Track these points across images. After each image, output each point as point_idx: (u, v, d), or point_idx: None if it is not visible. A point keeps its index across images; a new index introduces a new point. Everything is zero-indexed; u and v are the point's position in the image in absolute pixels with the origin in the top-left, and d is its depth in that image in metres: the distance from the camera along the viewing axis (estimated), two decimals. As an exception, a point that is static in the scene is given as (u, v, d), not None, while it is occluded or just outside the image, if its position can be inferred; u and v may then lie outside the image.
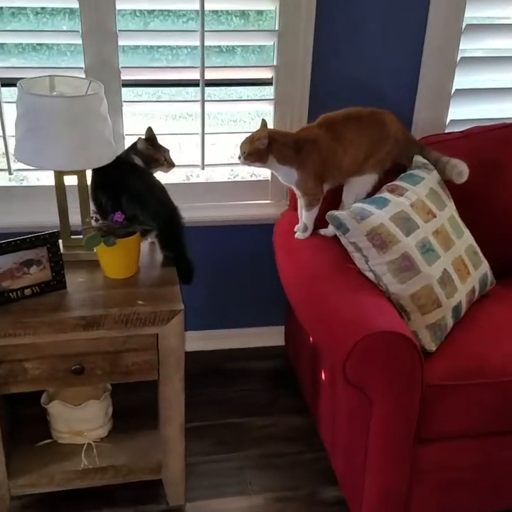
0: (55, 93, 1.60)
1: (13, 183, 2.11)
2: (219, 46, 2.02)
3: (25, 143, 1.51)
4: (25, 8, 1.87)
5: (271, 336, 2.36)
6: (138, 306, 1.49)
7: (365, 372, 1.41)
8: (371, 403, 1.47)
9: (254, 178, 2.21)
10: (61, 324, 1.43)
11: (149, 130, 1.76)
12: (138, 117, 2.09)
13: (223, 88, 2.26)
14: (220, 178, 2.26)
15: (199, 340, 2.31)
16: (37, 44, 1.91)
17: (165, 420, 1.60)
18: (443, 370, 1.52)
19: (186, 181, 2.26)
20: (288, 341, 2.30)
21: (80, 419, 1.65)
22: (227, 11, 1.98)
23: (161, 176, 1.77)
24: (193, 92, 2.09)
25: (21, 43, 1.91)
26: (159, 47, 2.01)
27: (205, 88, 1.95)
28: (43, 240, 1.49)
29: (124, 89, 1.96)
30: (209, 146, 2.06)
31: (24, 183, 2.13)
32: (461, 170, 1.76)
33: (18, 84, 1.51)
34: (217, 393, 2.14)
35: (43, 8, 1.89)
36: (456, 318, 1.65)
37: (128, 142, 1.96)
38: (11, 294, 1.47)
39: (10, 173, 1.95)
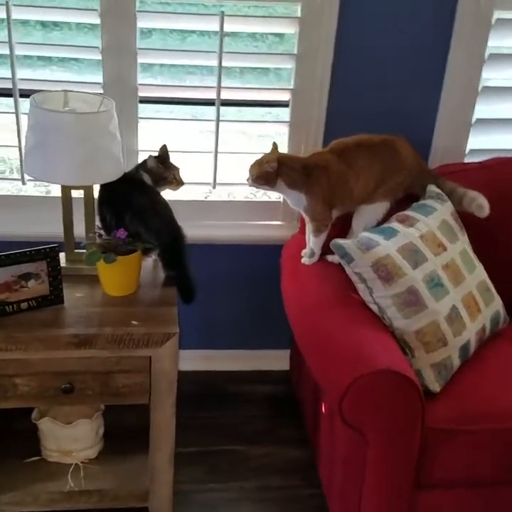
0: (67, 108, 1.60)
1: (26, 193, 2.12)
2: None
3: (33, 156, 1.52)
4: (47, 22, 1.89)
5: (276, 360, 2.30)
6: (132, 326, 1.46)
7: (361, 412, 1.35)
8: (368, 444, 1.40)
9: (266, 199, 2.18)
10: (53, 341, 1.41)
11: (163, 148, 1.75)
12: (158, 133, 2.08)
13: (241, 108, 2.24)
14: (230, 197, 2.23)
15: (200, 360, 2.27)
16: (57, 58, 1.93)
17: (154, 447, 1.56)
18: (446, 413, 1.45)
19: (200, 199, 2.24)
20: (293, 366, 2.23)
21: (70, 438, 1.62)
22: (245, 35, 1.97)
23: (174, 192, 1.76)
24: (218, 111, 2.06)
25: (42, 56, 1.93)
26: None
27: (225, 107, 1.94)
28: (43, 254, 1.47)
29: (145, 105, 1.96)
30: (230, 165, 2.04)
31: (36, 194, 2.13)
32: (480, 203, 1.70)
33: (30, 98, 1.52)
34: (214, 417, 2.09)
35: (65, 23, 1.90)
36: (463, 358, 1.58)
37: (142, 158, 1.96)
38: (6, 307, 1.45)
39: (23, 183, 1.96)
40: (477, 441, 1.44)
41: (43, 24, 1.90)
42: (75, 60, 1.95)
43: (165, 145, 1.74)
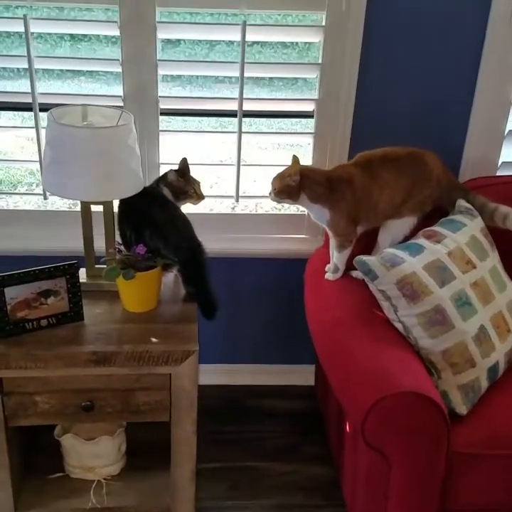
0: (86, 122, 1.60)
1: (47, 208, 2.13)
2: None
3: (51, 172, 1.51)
4: (66, 35, 1.89)
5: (300, 375, 2.27)
6: (151, 343, 1.44)
7: (384, 434, 1.31)
8: (391, 466, 1.36)
9: (290, 212, 2.15)
10: (73, 359, 1.40)
11: (183, 161, 1.73)
12: (180, 146, 2.07)
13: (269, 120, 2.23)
14: (255, 209, 2.21)
15: (222, 374, 2.25)
16: (75, 71, 1.93)
17: (175, 464, 1.54)
18: (473, 437, 1.40)
19: (223, 212, 2.22)
20: (317, 382, 2.20)
21: (92, 455, 1.61)
22: (274, 43, 1.94)
23: (197, 206, 1.75)
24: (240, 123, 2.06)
25: (62, 70, 1.94)
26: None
27: (254, 120, 1.92)
28: (62, 271, 1.47)
29: (165, 119, 1.95)
30: (256, 176, 2.01)
31: (58, 208, 2.14)
32: None
33: (48, 113, 1.51)
34: (236, 432, 2.06)
35: (88, 39, 1.91)
36: (491, 380, 1.52)
37: (164, 171, 1.95)
38: (26, 324, 1.45)
39: (45, 198, 1.97)
40: (505, 466, 1.39)
41: (62, 37, 1.91)
42: (96, 73, 1.95)
43: (185, 158, 1.73)
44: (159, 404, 1.47)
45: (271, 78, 2.00)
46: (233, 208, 2.22)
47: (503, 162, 2.02)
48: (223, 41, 1.93)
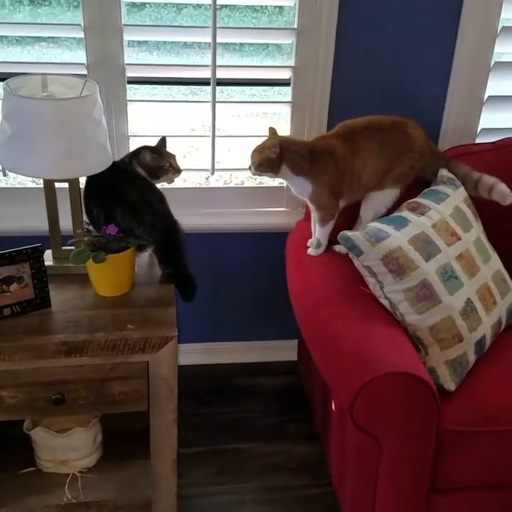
0: (46, 93, 1.47)
1: (7, 185, 2.00)
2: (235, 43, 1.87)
3: (9, 148, 1.38)
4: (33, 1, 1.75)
5: (283, 351, 2.22)
6: (127, 330, 1.36)
7: (374, 416, 1.27)
8: (381, 447, 1.32)
9: (268, 184, 2.07)
10: (40, 350, 1.31)
11: (162, 140, 1.64)
12: (149, 115, 1.96)
13: (241, 87, 2.12)
14: (231, 182, 2.13)
15: (202, 354, 2.19)
16: (36, 37, 1.79)
17: (155, 454, 1.47)
18: (462, 413, 1.37)
19: (198, 186, 2.13)
20: (301, 357, 2.14)
21: (65, 448, 1.53)
22: (243, 6, 1.83)
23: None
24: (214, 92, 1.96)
25: (19, 36, 1.80)
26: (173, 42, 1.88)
27: (227, 87, 1.82)
28: (25, 255, 1.36)
29: (132, 87, 1.83)
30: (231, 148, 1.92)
31: (19, 185, 2.01)
32: (502, 190, 1.59)
33: (4, 84, 1.39)
34: (219, 414, 2.01)
35: (48, 3, 1.77)
36: (479, 354, 1.49)
37: (133, 144, 1.84)
38: (-13, 314, 1.35)
39: (4, 175, 1.84)
40: (495, 442, 1.36)
41: (21, 2, 1.77)
42: (58, 38, 1.82)
43: (164, 137, 1.63)
44: (136, 393, 1.39)
45: (241, 43, 1.89)
46: (208, 179, 2.12)
47: (482, 129, 1.97)
48: (190, 4, 1.81)
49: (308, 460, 1.85)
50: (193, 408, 2.00)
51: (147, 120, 1.95)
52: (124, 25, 1.74)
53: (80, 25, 1.72)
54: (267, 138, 1.66)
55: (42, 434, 1.52)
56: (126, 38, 1.77)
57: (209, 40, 1.76)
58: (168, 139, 1.66)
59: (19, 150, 1.37)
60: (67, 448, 1.53)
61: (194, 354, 2.17)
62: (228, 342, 2.23)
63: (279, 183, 2.01)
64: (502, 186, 1.60)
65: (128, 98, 1.84)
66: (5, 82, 1.40)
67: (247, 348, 2.23)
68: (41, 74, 1.49)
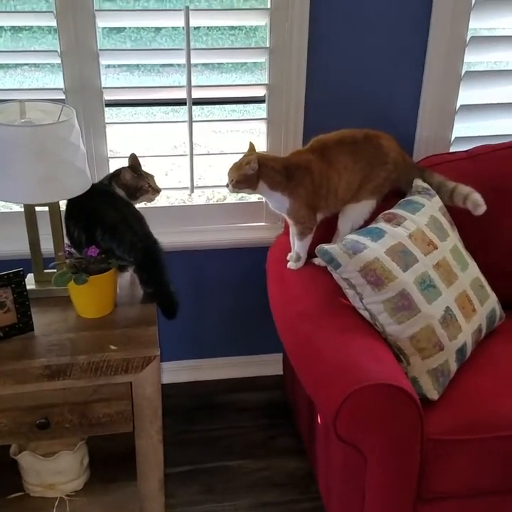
0: (24, 120, 1.49)
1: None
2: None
3: (-13, 175, 1.39)
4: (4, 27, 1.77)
5: (268, 365, 2.23)
6: (109, 351, 1.36)
7: (357, 429, 1.27)
8: (366, 460, 1.33)
9: (247, 200, 2.09)
10: (24, 374, 1.31)
11: (132, 157, 1.65)
12: (128, 136, 1.98)
13: (217, 106, 2.15)
14: (211, 199, 2.15)
15: (186, 371, 2.19)
16: (19, 65, 1.81)
17: (141, 475, 1.47)
18: (446, 423, 1.38)
19: (178, 204, 2.14)
20: (286, 370, 2.15)
21: (53, 471, 1.53)
22: (217, 28, 1.87)
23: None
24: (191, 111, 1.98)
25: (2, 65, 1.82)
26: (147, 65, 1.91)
27: (207, 106, 1.84)
28: (6, 280, 1.37)
29: (114, 109, 1.85)
30: (209, 166, 1.94)
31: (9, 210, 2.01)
32: (475, 200, 1.61)
33: (-20, 112, 1.40)
34: (206, 431, 2.00)
35: (29, 27, 1.79)
36: (460, 362, 1.50)
37: (113, 165, 1.85)
38: (-30, 341, 1.35)
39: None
40: (480, 450, 1.37)
41: (2, 27, 1.78)
42: (33, 65, 1.84)
43: (134, 154, 1.65)
44: (121, 415, 1.39)
45: (214, 66, 1.93)
46: (190, 196, 2.14)
47: (455, 137, 2.00)
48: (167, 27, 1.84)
49: (297, 475, 1.85)
50: (179, 426, 1.99)
51: (127, 140, 1.97)
52: (100, 50, 1.76)
53: (56, 51, 1.74)
54: (243, 155, 1.68)
55: (29, 459, 1.51)
56: (103, 62, 1.79)
57: (184, 61, 1.78)
58: (149, 158, 1.68)
59: (-2, 176, 1.39)
60: (55, 472, 1.52)
61: (178, 372, 2.17)
62: (212, 358, 2.22)
63: (258, 198, 2.03)
64: (476, 196, 1.62)
65: (107, 120, 1.85)
66: (-19, 109, 1.41)
67: (231, 364, 2.23)
68: (19, 101, 1.51)
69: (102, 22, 1.75)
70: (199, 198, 2.19)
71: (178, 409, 2.05)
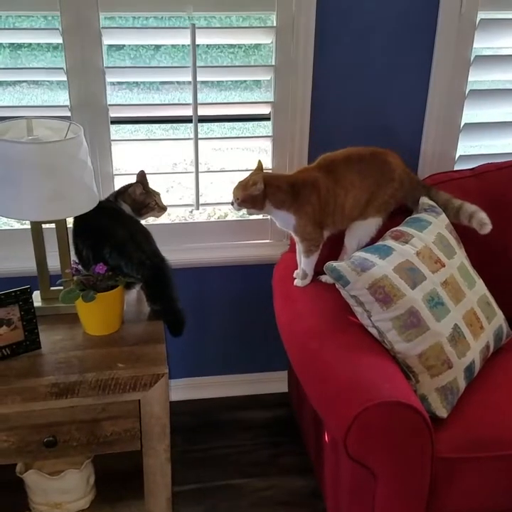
0: (31, 137, 1.49)
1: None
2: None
3: (-4, 192, 1.39)
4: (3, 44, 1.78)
5: (272, 383, 2.22)
6: (117, 369, 1.35)
7: (368, 447, 1.27)
8: (376, 478, 1.32)
9: (252, 218, 2.09)
10: (31, 392, 1.30)
11: (141, 174, 1.66)
12: (131, 153, 1.98)
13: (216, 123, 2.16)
14: (215, 216, 2.15)
15: (190, 389, 2.18)
16: (18, 81, 1.82)
17: (149, 494, 1.46)
18: (456, 441, 1.37)
19: (182, 221, 2.15)
20: (291, 388, 2.13)
21: (59, 490, 1.51)
22: (216, 45, 1.88)
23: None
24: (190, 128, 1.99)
25: (2, 81, 1.82)
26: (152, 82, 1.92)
27: (207, 123, 1.85)
28: (14, 298, 1.37)
29: (124, 125, 1.86)
30: (216, 183, 1.95)
31: (11, 227, 2.01)
32: (481, 219, 1.62)
33: (-11, 129, 1.41)
34: (210, 449, 1.98)
35: (28, 44, 1.80)
36: (469, 379, 1.50)
37: (118, 182, 1.86)
38: (-22, 358, 1.35)
39: (-10, 218, 1.84)
40: (490, 468, 1.36)
41: (1, 44, 1.79)
42: (47, 82, 1.85)
43: (142, 170, 1.65)
44: (129, 433, 1.39)
45: (220, 84, 1.94)
46: (191, 212, 2.15)
47: (460, 155, 2.01)
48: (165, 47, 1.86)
49: (303, 493, 1.83)
50: (183, 445, 1.97)
51: (129, 157, 1.97)
52: (106, 67, 1.77)
53: (62, 68, 1.75)
54: (249, 174, 1.68)
55: (35, 477, 1.49)
56: (109, 79, 1.80)
57: (189, 79, 1.79)
58: (152, 175, 1.69)
59: (5, 193, 1.39)
60: (61, 490, 1.51)
61: (182, 390, 2.16)
62: (216, 376, 2.21)
63: (263, 216, 2.03)
64: (482, 215, 1.63)
65: (112, 138, 1.86)
66: (-10, 127, 1.42)
67: (235, 382, 2.22)
68: (26, 118, 1.51)
69: (108, 39, 1.76)
70: (200, 215, 2.19)
71: (182, 428, 2.04)
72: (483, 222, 1.61)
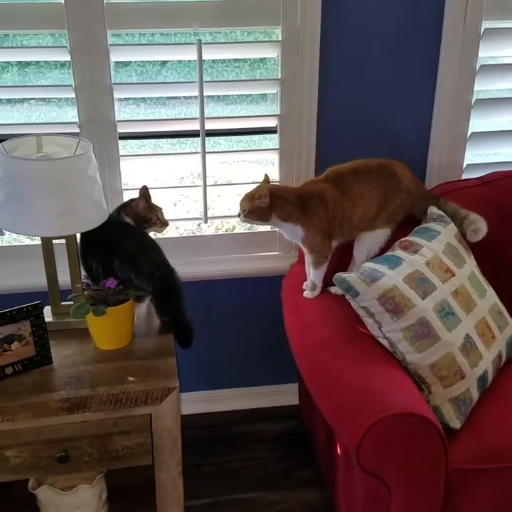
0: (41, 154, 1.51)
1: (4, 243, 2.01)
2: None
3: (6, 209, 1.40)
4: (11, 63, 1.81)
5: (283, 395, 2.21)
6: (128, 383, 1.36)
7: (381, 460, 1.26)
8: (390, 490, 1.31)
9: (260, 230, 2.10)
10: (43, 407, 1.31)
11: (144, 189, 1.67)
12: (136, 167, 2.00)
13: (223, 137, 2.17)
14: (223, 230, 2.16)
15: (200, 402, 2.17)
16: (27, 99, 1.84)
17: (162, 508, 1.45)
18: (470, 452, 1.36)
19: (190, 235, 2.16)
20: (302, 400, 2.12)
21: (71, 506, 1.51)
22: (221, 60, 1.90)
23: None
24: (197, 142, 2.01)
25: (10, 99, 1.84)
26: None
27: (214, 137, 1.85)
28: (25, 313, 1.38)
29: (132, 141, 1.88)
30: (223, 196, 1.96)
31: (21, 243, 2.02)
32: (477, 227, 1.62)
33: (-1, 146, 1.42)
34: (221, 463, 1.97)
35: (35, 62, 1.83)
36: (481, 389, 1.49)
37: (127, 197, 1.87)
38: (-10, 374, 1.35)
39: (1, 234, 1.86)
40: (504, 479, 1.35)
41: (9, 62, 1.82)
42: (54, 99, 1.87)
43: (145, 186, 1.66)
44: (140, 447, 1.39)
45: (226, 98, 1.96)
46: (199, 225, 2.14)
47: (467, 164, 2.01)
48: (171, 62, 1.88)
49: (316, 506, 1.81)
50: (194, 459, 1.96)
51: (137, 172, 1.99)
52: (114, 83, 1.79)
53: (70, 85, 1.77)
54: (256, 186, 1.69)
55: (47, 493, 1.49)
56: (116, 95, 1.81)
57: (196, 93, 1.81)
58: (160, 189, 1.70)
59: (16, 210, 1.40)
60: (73, 506, 1.51)
61: (192, 403, 2.15)
62: (226, 389, 2.21)
63: (271, 228, 2.04)
64: (479, 224, 1.62)
65: (120, 153, 1.87)
66: (0, 144, 1.43)
67: (245, 395, 2.21)
68: (36, 135, 1.53)
69: (116, 56, 1.78)
70: (208, 228, 2.20)
71: (193, 441, 2.03)
72: (477, 230, 1.62)
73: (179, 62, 1.90)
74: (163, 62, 1.91)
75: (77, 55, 1.73)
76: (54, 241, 1.57)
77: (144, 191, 1.65)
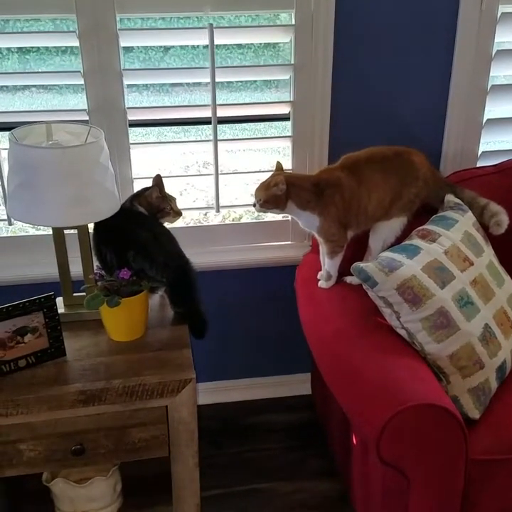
0: (51, 142, 1.48)
1: (15, 234, 1.99)
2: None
3: (17, 198, 1.38)
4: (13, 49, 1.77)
5: (296, 385, 2.19)
6: (144, 375, 1.34)
7: (401, 451, 1.24)
8: (409, 482, 1.29)
9: (273, 219, 2.07)
10: (58, 400, 1.29)
11: (157, 178, 1.64)
12: (144, 156, 1.97)
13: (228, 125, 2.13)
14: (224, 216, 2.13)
15: (213, 393, 2.16)
16: (36, 86, 1.81)
17: (178, 500, 1.44)
18: (489, 442, 1.34)
19: (200, 224, 2.13)
20: (315, 390, 2.10)
21: (86, 498, 1.50)
22: (225, 46, 1.86)
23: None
24: (208, 129, 1.97)
25: (17, 85, 1.81)
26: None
27: (220, 125, 1.82)
28: (38, 305, 1.35)
29: (136, 128, 1.84)
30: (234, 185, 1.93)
31: (27, 233, 2.00)
32: (500, 220, 1.60)
33: (9, 134, 1.39)
34: (235, 453, 1.96)
35: (36, 49, 1.79)
36: (500, 379, 1.47)
37: (137, 186, 1.84)
38: (3, 367, 1.33)
39: (10, 224, 1.83)
40: (525, 470, 1.33)
41: (9, 49, 1.78)
42: (57, 86, 1.83)
43: (159, 174, 1.63)
44: (157, 439, 1.37)
45: (239, 84, 1.92)
46: (206, 215, 2.12)
47: (483, 152, 1.98)
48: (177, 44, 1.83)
49: (330, 497, 1.81)
50: (208, 449, 1.96)
51: (143, 161, 1.96)
52: (124, 69, 1.76)
53: (79, 71, 1.73)
54: (270, 174, 1.66)
55: (62, 486, 1.49)
56: (126, 82, 1.78)
57: (207, 79, 1.77)
58: (169, 179, 1.67)
59: (27, 199, 1.37)
60: (88, 498, 1.50)
61: (205, 394, 2.14)
62: (239, 379, 2.19)
63: (283, 217, 2.01)
64: (503, 217, 1.60)
65: (130, 141, 1.84)
66: (10, 132, 1.40)
67: (258, 385, 2.20)
68: (45, 122, 1.50)
69: (125, 41, 1.74)
70: (215, 218, 2.18)
71: (206, 432, 2.01)
72: (500, 223, 1.59)
73: (182, 48, 1.86)
74: (166, 49, 1.87)
75: (86, 40, 1.69)
76: (65, 231, 1.55)
77: (158, 180, 1.63)
